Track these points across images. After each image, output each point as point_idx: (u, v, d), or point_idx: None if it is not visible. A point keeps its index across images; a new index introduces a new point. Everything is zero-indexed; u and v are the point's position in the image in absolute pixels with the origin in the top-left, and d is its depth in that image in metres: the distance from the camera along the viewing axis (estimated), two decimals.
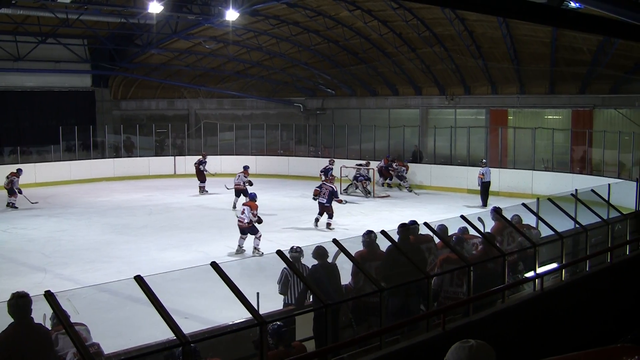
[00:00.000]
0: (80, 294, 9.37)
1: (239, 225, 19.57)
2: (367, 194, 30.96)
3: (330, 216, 23.78)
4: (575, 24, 12.24)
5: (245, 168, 28.30)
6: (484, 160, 29.71)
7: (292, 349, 8.26)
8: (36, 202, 27.91)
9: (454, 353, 3.72)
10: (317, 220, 23.96)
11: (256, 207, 19.65)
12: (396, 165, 33.59)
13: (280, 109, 46.50)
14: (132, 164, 38.36)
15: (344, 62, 40.67)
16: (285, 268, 10.68)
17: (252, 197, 20.10)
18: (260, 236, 19.45)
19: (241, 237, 19.59)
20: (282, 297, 10.96)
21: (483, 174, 28.18)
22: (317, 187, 24.56)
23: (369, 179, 31.50)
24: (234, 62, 42.88)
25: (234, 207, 26.75)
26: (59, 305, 7.13)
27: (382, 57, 38.62)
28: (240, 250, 19.53)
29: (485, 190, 28.20)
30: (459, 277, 10.60)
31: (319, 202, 23.99)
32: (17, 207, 27.24)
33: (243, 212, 19.46)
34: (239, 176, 27.67)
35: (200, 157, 32.79)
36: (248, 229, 19.43)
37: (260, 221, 19.66)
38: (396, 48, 36.44)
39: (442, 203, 29.00)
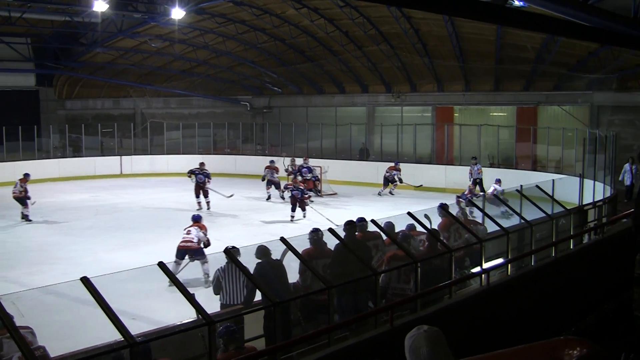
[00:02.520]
0: (26, 297, 9.23)
1: (185, 247, 16.42)
2: (316, 192, 30.96)
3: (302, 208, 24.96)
4: (519, 22, 12.38)
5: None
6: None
7: (243, 350, 8.22)
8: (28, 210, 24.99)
9: (413, 339, 3.79)
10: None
11: (206, 229, 17.15)
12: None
13: (227, 108, 46.33)
14: (78, 164, 37.84)
15: (291, 60, 40.69)
16: (217, 269, 10.74)
17: (197, 218, 17.59)
18: (207, 262, 15.83)
19: (177, 262, 16.00)
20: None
21: (481, 169, 28.73)
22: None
23: (318, 179, 31.47)
24: (180, 61, 42.63)
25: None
26: (4, 309, 7.03)
27: (328, 55, 38.70)
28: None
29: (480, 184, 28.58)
30: (406, 273, 10.67)
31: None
32: (31, 220, 24.76)
33: (188, 232, 16.70)
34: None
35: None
36: (196, 251, 16.39)
37: (209, 244, 16.93)
38: (342, 46, 36.53)
39: (389, 200, 29.13)
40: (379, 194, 30.68)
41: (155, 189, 31.99)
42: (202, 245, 16.71)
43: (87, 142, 39.58)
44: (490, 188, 25.89)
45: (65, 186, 34.41)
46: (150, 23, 34.09)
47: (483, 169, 29.29)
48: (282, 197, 29.04)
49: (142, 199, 30.12)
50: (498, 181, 26.18)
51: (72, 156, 38.91)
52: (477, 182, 28.57)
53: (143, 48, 39.92)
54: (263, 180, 30.11)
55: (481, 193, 27.17)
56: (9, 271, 17.58)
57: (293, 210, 24.61)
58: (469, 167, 29.36)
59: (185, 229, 16.97)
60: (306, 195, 25.28)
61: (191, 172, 27.71)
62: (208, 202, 27.17)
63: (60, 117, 42.15)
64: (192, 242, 16.54)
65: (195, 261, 16.28)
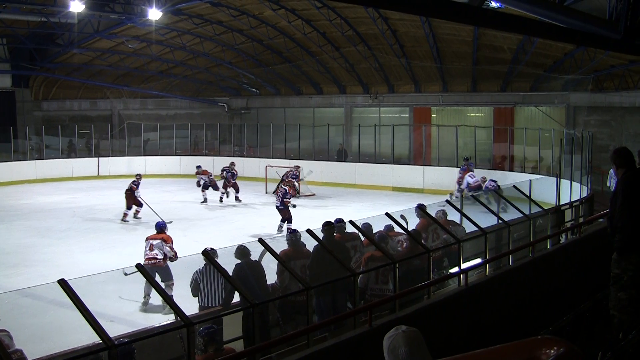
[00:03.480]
0: (2, 300, 9.19)
1: (150, 265, 14.29)
2: (295, 193, 30.98)
3: (286, 220, 22.97)
4: (496, 23, 12.42)
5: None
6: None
7: (222, 352, 8.20)
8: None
9: (391, 339, 3.80)
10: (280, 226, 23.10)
11: (171, 240, 15.27)
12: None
13: (204, 109, 46.27)
14: (55, 166, 37.64)
15: (268, 61, 40.65)
16: (196, 271, 10.70)
17: (163, 227, 15.77)
18: (173, 284, 14.17)
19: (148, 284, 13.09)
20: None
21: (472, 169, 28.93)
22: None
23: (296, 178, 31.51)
24: (157, 62, 42.50)
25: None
26: None
27: (306, 56, 38.71)
28: (147, 301, 14.13)
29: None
30: (384, 274, 10.70)
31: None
32: (140, 218, 25.49)
33: (151, 248, 14.83)
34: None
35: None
36: (162, 269, 14.47)
37: (176, 258, 14.81)
38: (320, 47, 36.57)
39: (367, 201, 29.15)
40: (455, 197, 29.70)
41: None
42: (168, 262, 14.76)
43: (63, 143, 39.41)
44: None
45: (42, 188, 34.25)
46: (127, 24, 33.93)
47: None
48: (221, 200, 29.48)
49: (119, 200, 29.84)
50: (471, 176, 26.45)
51: (49, 157, 38.66)
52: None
53: (120, 49, 39.74)
54: (198, 185, 29.95)
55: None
56: None
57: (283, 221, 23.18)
58: (457, 168, 29.42)
59: (147, 241, 15.18)
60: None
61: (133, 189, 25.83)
62: (138, 211, 25.77)
63: (37, 118, 41.87)
64: (156, 258, 14.72)
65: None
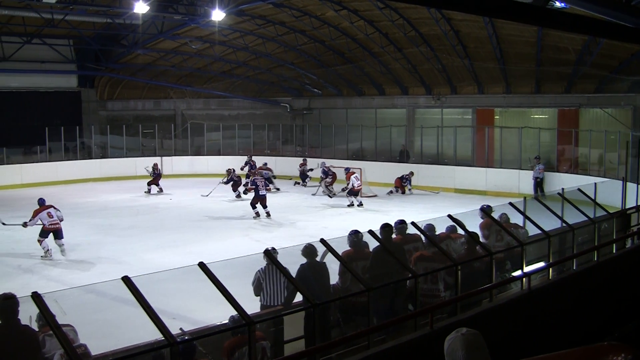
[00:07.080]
0: (67, 295, 9.32)
1: (55, 228, 19.32)
2: (330, 193, 31.09)
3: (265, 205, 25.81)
4: (560, 23, 12.26)
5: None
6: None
7: None
8: None
9: (450, 342, 3.80)
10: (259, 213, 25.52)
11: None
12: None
13: (266, 109, 46.43)
14: (119, 165, 38.25)
15: (330, 62, 40.66)
16: (258, 270, 10.70)
17: (44, 199, 20.27)
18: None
19: (43, 240, 19.33)
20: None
21: (542, 169, 29.53)
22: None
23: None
24: (220, 62, 42.80)
25: None
26: (46, 307, 7.09)
27: (368, 57, 38.64)
28: (49, 254, 19.33)
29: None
30: (433, 274, 10.62)
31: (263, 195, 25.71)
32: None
33: (50, 215, 19.28)
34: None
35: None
36: (60, 230, 19.47)
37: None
38: (382, 48, 36.46)
39: (429, 202, 29.03)
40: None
41: (195, 190, 32.13)
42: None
43: (127, 142, 39.95)
44: None
45: (107, 186, 34.81)
46: (191, 25, 34.33)
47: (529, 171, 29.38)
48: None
49: (182, 199, 30.31)
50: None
51: (113, 157, 39.26)
52: (538, 181, 28.60)
53: (183, 50, 40.18)
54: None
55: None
56: (50, 270, 17.85)
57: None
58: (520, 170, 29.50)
59: (40, 212, 19.32)
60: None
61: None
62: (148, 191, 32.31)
63: (102, 117, 42.52)
64: (58, 223, 19.37)
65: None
